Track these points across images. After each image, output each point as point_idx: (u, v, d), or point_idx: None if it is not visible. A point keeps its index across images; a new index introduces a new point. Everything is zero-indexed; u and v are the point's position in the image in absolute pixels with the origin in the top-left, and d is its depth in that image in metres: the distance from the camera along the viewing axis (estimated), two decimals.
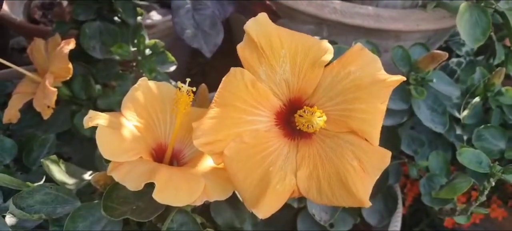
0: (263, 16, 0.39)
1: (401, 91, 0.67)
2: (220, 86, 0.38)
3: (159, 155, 0.46)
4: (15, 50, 1.17)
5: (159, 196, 0.36)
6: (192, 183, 0.39)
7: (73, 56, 0.59)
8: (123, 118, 0.44)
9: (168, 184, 0.37)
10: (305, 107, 0.39)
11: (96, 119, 0.41)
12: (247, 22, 0.38)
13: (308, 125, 0.38)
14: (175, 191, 0.37)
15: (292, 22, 0.83)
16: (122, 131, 0.42)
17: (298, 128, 0.39)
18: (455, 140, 0.73)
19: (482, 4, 0.70)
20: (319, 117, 0.37)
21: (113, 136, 0.40)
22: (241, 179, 0.37)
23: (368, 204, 0.37)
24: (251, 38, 0.38)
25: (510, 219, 0.89)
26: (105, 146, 0.38)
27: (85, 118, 0.40)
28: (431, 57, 0.65)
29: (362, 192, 0.37)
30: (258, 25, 0.38)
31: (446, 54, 0.63)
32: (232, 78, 0.38)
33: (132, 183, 0.37)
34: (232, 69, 0.38)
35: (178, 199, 0.37)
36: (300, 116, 0.39)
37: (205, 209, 0.56)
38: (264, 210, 0.36)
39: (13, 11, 1.01)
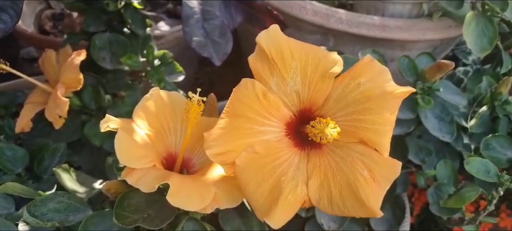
0: (274, 28, 0.39)
1: (408, 101, 0.66)
2: (231, 96, 0.38)
3: (170, 164, 0.47)
4: (25, 60, 1.18)
5: (172, 199, 0.37)
6: (203, 190, 0.39)
7: (83, 66, 0.60)
8: (135, 125, 0.45)
9: (181, 188, 0.38)
10: (317, 118, 0.39)
11: (111, 122, 0.42)
12: (259, 34, 0.38)
13: (320, 136, 0.38)
14: (188, 195, 0.38)
15: (298, 32, 0.83)
16: (137, 139, 0.43)
17: (310, 138, 0.39)
18: (462, 149, 0.73)
19: (488, 14, 0.71)
20: (332, 128, 0.37)
21: (131, 142, 0.41)
22: (252, 189, 0.37)
23: (379, 214, 0.37)
24: (262, 50, 0.38)
25: None
26: (123, 151, 0.39)
27: (101, 122, 0.42)
28: (437, 67, 0.65)
29: (373, 202, 0.37)
30: (270, 37, 0.39)
31: (453, 64, 0.63)
32: (243, 89, 0.38)
33: (146, 186, 0.38)
34: (243, 80, 0.39)
35: (190, 203, 0.38)
36: (313, 126, 0.39)
37: (213, 218, 0.56)
38: (277, 219, 0.36)
39: (24, 22, 1.02)
